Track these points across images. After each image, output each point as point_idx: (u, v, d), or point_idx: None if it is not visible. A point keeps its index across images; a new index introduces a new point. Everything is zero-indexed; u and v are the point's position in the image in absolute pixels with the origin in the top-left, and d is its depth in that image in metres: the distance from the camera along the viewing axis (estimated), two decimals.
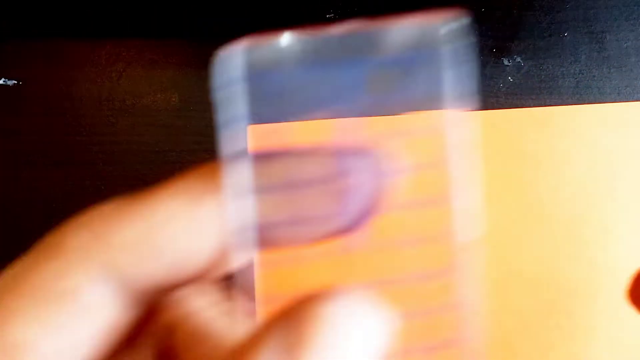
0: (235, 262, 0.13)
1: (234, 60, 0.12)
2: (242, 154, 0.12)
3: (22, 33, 0.42)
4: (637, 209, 0.39)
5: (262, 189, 0.12)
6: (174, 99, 0.41)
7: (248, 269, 0.13)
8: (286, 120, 0.12)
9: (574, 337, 0.39)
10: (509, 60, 0.41)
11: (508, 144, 0.39)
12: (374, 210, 0.12)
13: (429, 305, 0.12)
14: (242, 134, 0.12)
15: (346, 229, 0.12)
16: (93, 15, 0.42)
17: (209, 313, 0.13)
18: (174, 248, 0.12)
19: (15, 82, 0.41)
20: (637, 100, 0.40)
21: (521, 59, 0.41)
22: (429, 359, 0.12)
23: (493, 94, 0.40)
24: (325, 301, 0.10)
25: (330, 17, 0.41)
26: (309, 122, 0.12)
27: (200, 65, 0.41)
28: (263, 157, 0.12)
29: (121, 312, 0.13)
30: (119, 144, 0.41)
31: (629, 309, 0.39)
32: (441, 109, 0.12)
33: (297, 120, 0.12)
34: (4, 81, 0.41)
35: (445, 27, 0.12)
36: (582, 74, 0.41)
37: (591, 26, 0.41)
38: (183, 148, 0.41)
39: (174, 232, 0.12)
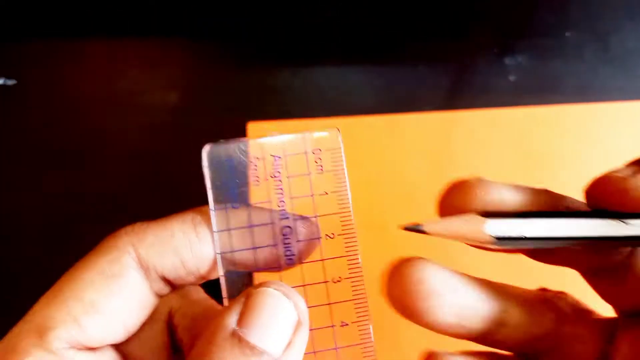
0: (217, 273, 0.20)
1: (214, 151, 0.20)
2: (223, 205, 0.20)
3: (21, 33, 0.42)
4: None
5: (232, 228, 0.20)
6: (173, 98, 0.41)
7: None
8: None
9: None
10: (511, 59, 0.41)
11: (511, 142, 0.39)
12: (307, 252, 0.20)
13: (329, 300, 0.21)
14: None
15: (288, 263, 0.21)
16: (92, 15, 0.41)
17: (202, 302, 0.22)
18: (184, 251, 0.20)
19: (15, 82, 0.41)
20: None
21: (524, 58, 0.41)
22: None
23: (496, 92, 0.40)
24: (265, 285, 0.19)
25: (330, 16, 0.41)
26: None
27: (199, 64, 0.41)
28: (234, 207, 0.20)
29: (147, 293, 0.20)
30: (119, 143, 0.40)
31: None
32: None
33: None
34: (4, 81, 0.41)
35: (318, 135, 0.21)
36: (586, 73, 0.41)
37: (594, 26, 0.41)
38: (183, 147, 0.40)
39: (184, 241, 0.20)
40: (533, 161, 0.39)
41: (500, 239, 0.18)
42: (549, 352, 0.21)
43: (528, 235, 0.18)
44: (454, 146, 0.39)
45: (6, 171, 0.41)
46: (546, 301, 0.22)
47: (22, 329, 0.19)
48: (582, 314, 0.22)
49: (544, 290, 0.23)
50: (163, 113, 0.41)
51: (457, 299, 0.20)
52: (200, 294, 0.22)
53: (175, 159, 0.40)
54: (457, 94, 0.40)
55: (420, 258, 0.20)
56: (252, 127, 0.40)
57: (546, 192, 0.20)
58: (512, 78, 0.40)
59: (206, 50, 0.41)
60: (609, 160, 0.39)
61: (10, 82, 0.41)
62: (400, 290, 0.19)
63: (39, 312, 0.19)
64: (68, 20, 0.42)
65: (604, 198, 0.18)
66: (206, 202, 0.20)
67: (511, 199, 0.19)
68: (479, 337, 0.21)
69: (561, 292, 0.22)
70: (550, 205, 0.19)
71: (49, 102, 0.41)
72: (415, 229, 0.19)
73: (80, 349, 0.19)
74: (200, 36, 0.41)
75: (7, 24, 0.42)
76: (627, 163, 0.19)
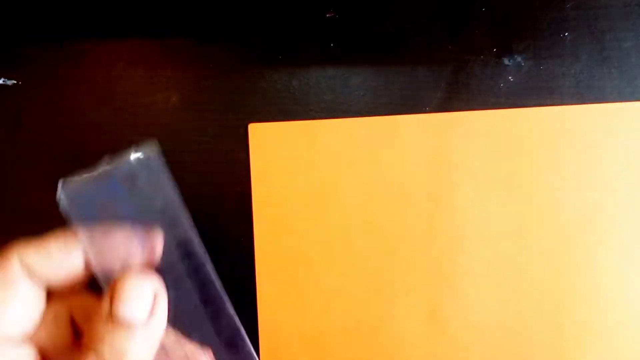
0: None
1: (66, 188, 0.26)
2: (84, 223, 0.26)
3: (22, 33, 0.42)
4: (638, 209, 0.39)
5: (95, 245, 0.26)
6: (173, 99, 0.41)
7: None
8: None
9: (574, 338, 0.39)
10: (509, 60, 0.41)
11: (508, 144, 0.39)
12: (149, 259, 0.26)
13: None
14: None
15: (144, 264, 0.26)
16: (92, 15, 0.42)
17: (89, 296, 0.27)
18: (62, 262, 0.25)
19: (15, 82, 0.41)
20: (637, 100, 0.40)
21: (522, 59, 0.41)
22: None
23: (493, 93, 0.40)
24: (127, 271, 0.25)
25: (330, 16, 0.41)
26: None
27: (199, 65, 0.41)
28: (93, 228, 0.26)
29: (37, 298, 0.25)
30: (119, 144, 0.40)
31: (629, 309, 0.39)
32: None
33: None
34: (3, 81, 0.41)
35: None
36: (583, 73, 0.41)
37: (592, 26, 0.41)
38: (183, 148, 0.41)
39: (61, 254, 0.25)
40: (531, 163, 0.39)
41: None
42: None
43: None
44: (452, 148, 0.39)
45: (6, 171, 0.41)
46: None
47: None
48: None
49: None
50: (163, 114, 0.41)
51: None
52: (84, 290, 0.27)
53: (176, 160, 0.40)
54: (455, 95, 0.40)
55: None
56: (253, 127, 0.40)
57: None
58: (510, 78, 0.41)
59: (206, 51, 0.41)
60: (606, 161, 0.39)
61: (10, 82, 0.41)
62: None
63: None
64: (68, 20, 0.42)
65: None
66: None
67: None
68: None
69: None
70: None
71: (49, 102, 0.41)
72: None
73: None
74: (200, 37, 0.41)
75: (7, 24, 0.42)
76: None
